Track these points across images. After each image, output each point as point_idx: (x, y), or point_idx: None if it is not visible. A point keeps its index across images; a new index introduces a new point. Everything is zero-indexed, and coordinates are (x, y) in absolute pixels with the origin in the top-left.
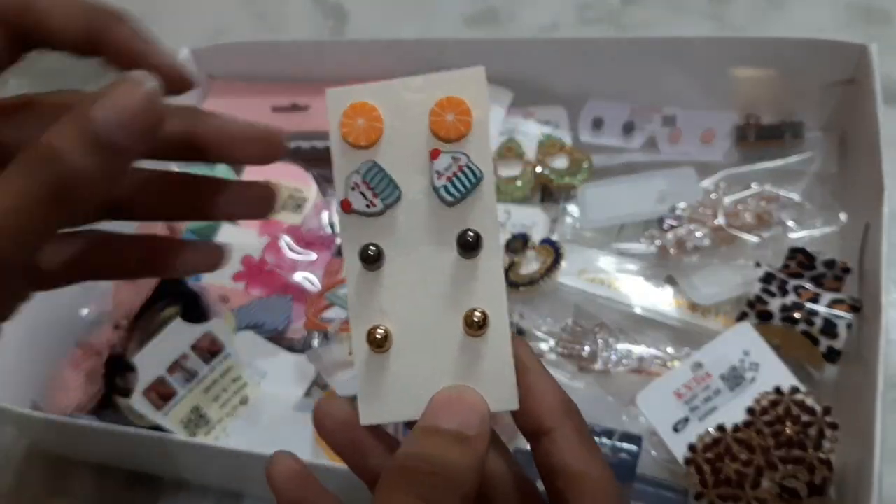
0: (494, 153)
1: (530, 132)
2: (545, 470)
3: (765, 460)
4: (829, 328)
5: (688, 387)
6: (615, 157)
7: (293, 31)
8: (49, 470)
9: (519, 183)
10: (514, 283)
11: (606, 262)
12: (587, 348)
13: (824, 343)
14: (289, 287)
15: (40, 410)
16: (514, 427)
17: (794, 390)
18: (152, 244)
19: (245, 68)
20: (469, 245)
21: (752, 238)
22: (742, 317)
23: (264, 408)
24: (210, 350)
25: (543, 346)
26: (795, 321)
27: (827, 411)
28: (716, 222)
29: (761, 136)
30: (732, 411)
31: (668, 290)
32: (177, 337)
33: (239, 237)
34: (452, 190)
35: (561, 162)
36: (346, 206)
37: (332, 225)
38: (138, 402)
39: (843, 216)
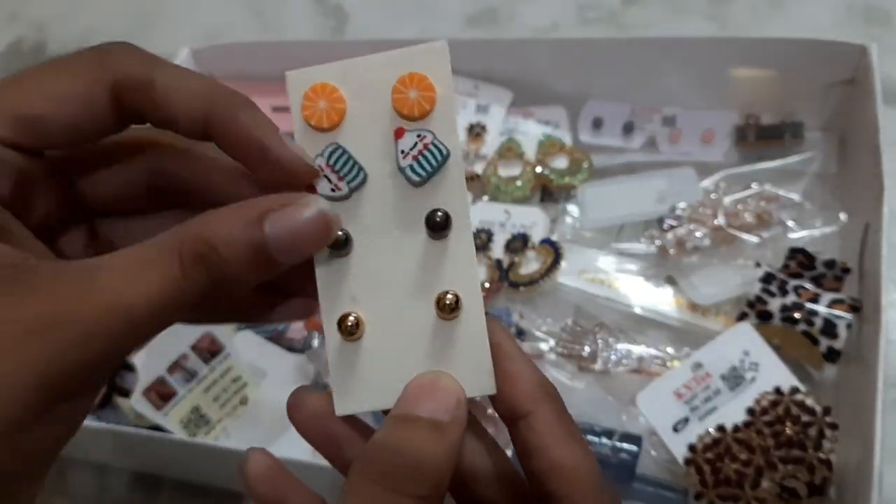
0: (494, 153)
1: (530, 132)
2: (524, 454)
3: (765, 460)
4: (829, 328)
5: (688, 387)
6: (615, 157)
7: (293, 31)
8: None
9: (519, 183)
10: (514, 283)
11: (606, 262)
12: (587, 348)
13: (824, 343)
14: None
15: None
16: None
17: (794, 390)
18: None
19: (245, 68)
20: (438, 225)
21: (751, 238)
22: (742, 317)
23: (264, 408)
24: (210, 350)
25: (543, 346)
26: (795, 321)
27: (827, 411)
28: (716, 222)
29: (761, 137)
30: (732, 411)
31: (668, 290)
32: (177, 337)
33: None
34: (418, 169)
35: (561, 162)
36: (311, 192)
37: None
38: (138, 402)
39: (842, 216)
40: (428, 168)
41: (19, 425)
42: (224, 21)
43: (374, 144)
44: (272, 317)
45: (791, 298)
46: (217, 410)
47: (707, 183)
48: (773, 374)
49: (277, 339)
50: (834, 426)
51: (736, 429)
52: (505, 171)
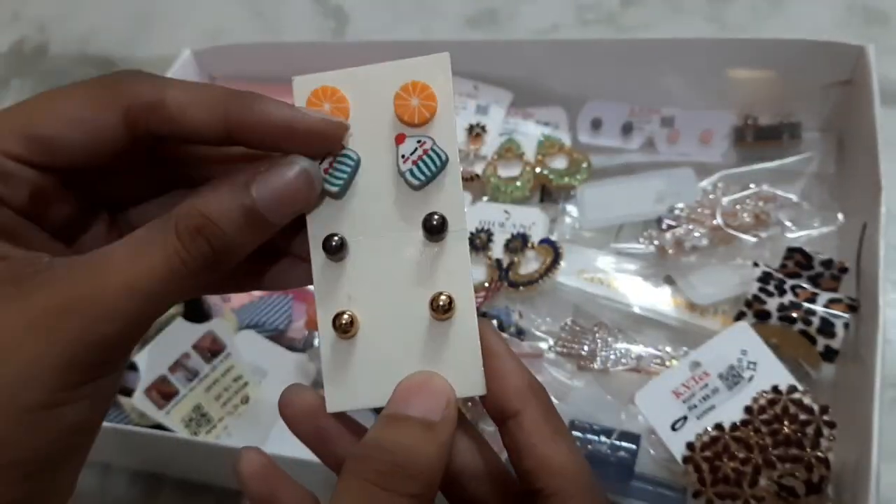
0: (494, 153)
1: (530, 133)
2: (514, 452)
3: (763, 459)
4: (827, 327)
5: (686, 386)
6: (614, 157)
7: (293, 32)
8: None
9: (518, 183)
10: (514, 283)
11: (605, 261)
12: (586, 347)
13: (822, 342)
14: None
15: None
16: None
17: (792, 389)
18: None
19: (245, 69)
20: (434, 228)
21: (749, 238)
22: (740, 316)
23: (265, 407)
24: (211, 349)
25: (542, 346)
26: (793, 320)
27: (824, 410)
28: (714, 222)
29: (759, 137)
30: (730, 410)
31: (667, 290)
32: (178, 336)
33: None
34: (418, 173)
35: (560, 162)
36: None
37: None
38: (140, 400)
39: (840, 216)
40: (427, 173)
41: (48, 406)
42: (224, 22)
43: (375, 148)
44: (264, 283)
45: (789, 298)
46: (218, 409)
47: (705, 183)
48: (771, 373)
49: (278, 339)
50: (832, 425)
51: (734, 427)
52: (504, 172)
